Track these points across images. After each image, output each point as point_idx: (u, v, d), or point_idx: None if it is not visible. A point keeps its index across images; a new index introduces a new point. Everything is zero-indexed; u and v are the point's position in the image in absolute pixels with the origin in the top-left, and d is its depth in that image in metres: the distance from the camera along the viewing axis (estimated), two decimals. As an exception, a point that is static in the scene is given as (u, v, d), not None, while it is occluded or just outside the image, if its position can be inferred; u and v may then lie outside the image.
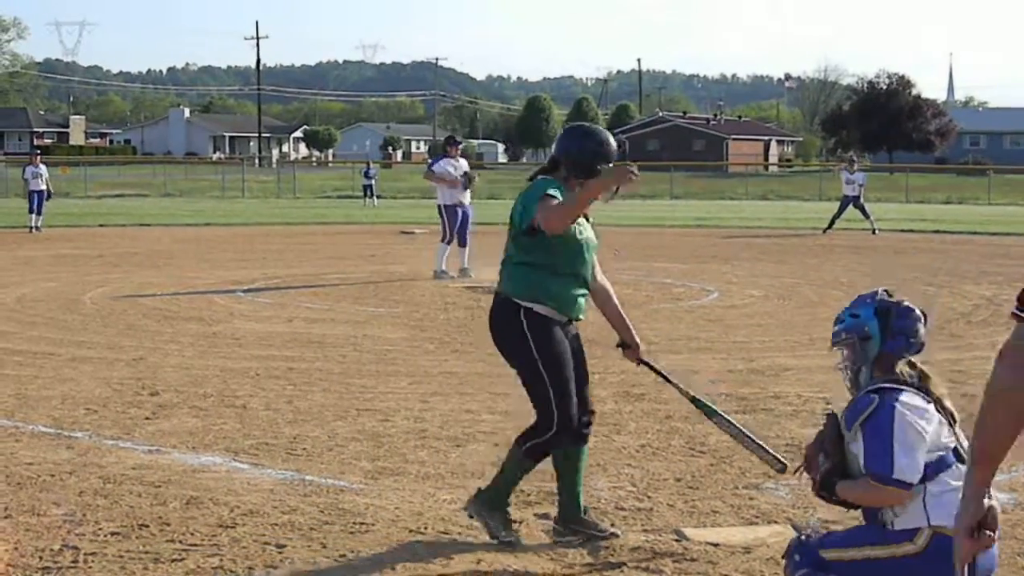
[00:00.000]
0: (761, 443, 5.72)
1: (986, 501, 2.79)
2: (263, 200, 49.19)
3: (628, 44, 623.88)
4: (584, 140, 5.51)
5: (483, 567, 5.29)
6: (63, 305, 14.11)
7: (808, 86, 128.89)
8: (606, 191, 5.37)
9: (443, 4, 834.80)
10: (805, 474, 4.24)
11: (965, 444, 3.91)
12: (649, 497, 6.34)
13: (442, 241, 17.82)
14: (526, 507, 6.09)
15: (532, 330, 5.38)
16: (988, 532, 2.77)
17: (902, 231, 30.11)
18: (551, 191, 5.35)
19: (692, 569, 5.30)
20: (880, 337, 4.08)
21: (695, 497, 6.34)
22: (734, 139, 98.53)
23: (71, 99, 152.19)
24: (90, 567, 5.19)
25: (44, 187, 28.56)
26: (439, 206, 18.06)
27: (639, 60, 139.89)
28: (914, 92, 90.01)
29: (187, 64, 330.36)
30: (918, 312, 4.15)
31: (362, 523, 5.82)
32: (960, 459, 3.85)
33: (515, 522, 5.65)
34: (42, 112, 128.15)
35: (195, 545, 5.47)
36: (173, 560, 5.28)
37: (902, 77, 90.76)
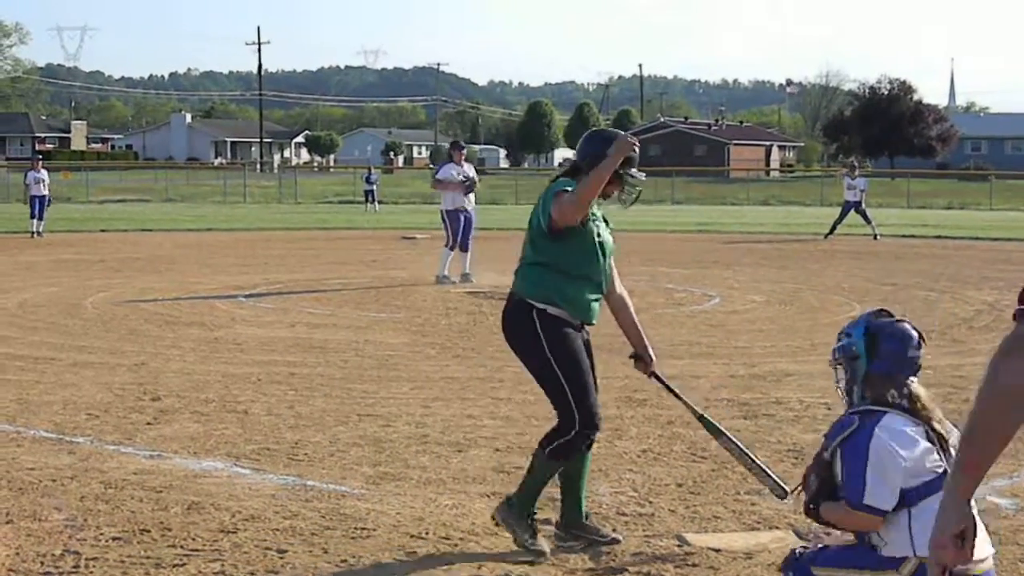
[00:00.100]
0: (764, 467, 5.71)
1: (971, 511, 2.68)
2: (265, 205, 49.23)
3: (630, 49, 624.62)
4: (605, 145, 5.46)
5: (484, 572, 5.29)
6: (64, 310, 14.12)
7: (809, 91, 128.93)
8: (614, 166, 5.31)
9: (445, 9, 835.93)
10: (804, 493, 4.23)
11: None
12: (651, 502, 6.34)
13: (445, 247, 17.79)
14: (527, 512, 6.09)
15: (545, 330, 5.37)
16: (970, 544, 2.65)
17: (904, 236, 30.11)
18: (566, 187, 5.38)
19: (693, 574, 5.30)
20: (867, 358, 4.05)
21: (697, 502, 6.34)
22: (735, 144, 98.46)
23: (73, 104, 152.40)
24: (91, 572, 5.19)
25: (46, 192, 28.58)
26: (442, 211, 18.06)
27: (640, 65, 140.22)
28: (915, 97, 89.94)
29: (189, 69, 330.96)
30: (911, 334, 4.08)
31: (363, 528, 5.82)
32: None
33: (544, 533, 5.61)
34: (44, 117, 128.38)
35: (196, 550, 5.47)
36: (174, 565, 5.28)
37: (903, 82, 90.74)
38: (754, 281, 18.21)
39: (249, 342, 11.80)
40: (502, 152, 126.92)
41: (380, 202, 46.28)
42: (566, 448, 5.42)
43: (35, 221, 28.13)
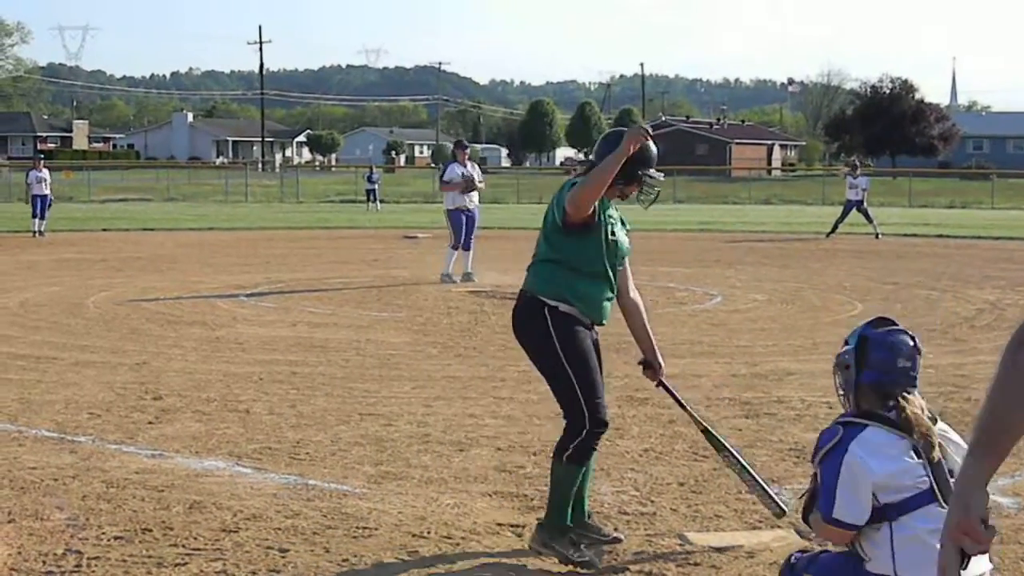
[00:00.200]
0: (764, 485, 5.71)
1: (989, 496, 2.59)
2: (266, 204, 49.24)
3: (631, 48, 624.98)
4: (618, 144, 5.38)
5: (486, 571, 5.29)
6: (66, 309, 14.12)
7: (811, 90, 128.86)
8: (625, 157, 5.24)
9: (446, 9, 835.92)
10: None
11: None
12: (652, 501, 6.34)
13: (449, 246, 17.75)
14: (529, 512, 6.09)
15: (556, 328, 5.34)
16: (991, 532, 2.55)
17: (905, 235, 30.09)
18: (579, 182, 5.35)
19: (695, 573, 5.30)
20: (856, 368, 4.04)
21: (698, 501, 6.34)
22: (737, 143, 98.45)
23: (74, 103, 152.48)
24: (93, 571, 5.19)
25: (47, 191, 28.59)
26: (446, 211, 18.05)
27: (642, 64, 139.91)
28: (917, 96, 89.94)
29: (190, 68, 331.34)
30: (902, 344, 4.00)
31: (365, 527, 5.82)
32: (935, 499, 3.79)
33: (584, 543, 5.59)
34: (45, 116, 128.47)
35: (198, 549, 5.47)
36: (176, 564, 5.28)
37: (905, 81, 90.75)
38: (756, 280, 18.20)
39: (251, 341, 11.80)
40: (504, 151, 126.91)
41: (382, 201, 46.28)
42: (581, 450, 5.36)
43: (37, 220, 28.15)
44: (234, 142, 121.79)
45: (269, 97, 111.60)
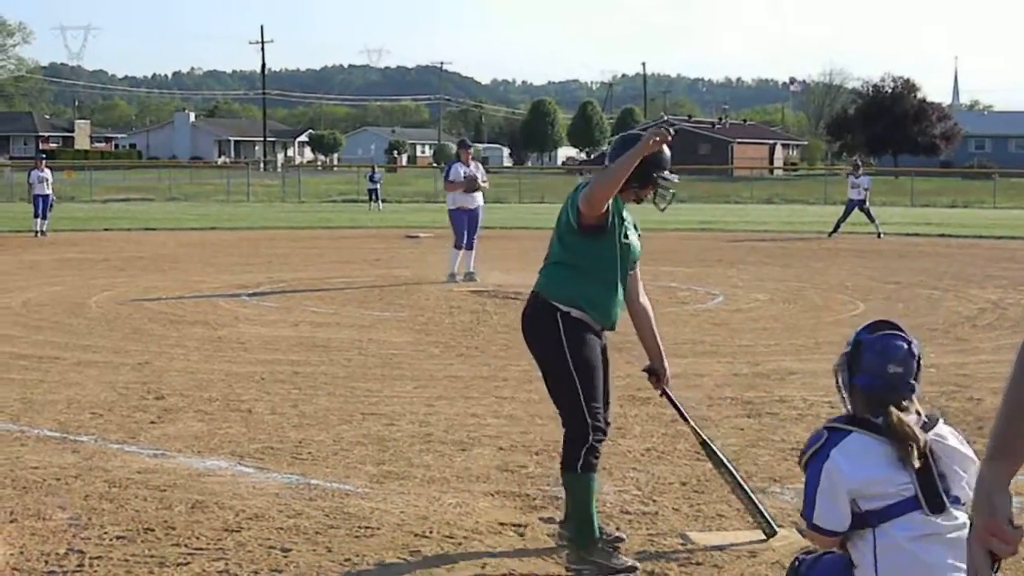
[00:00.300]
0: (759, 503, 5.71)
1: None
2: (268, 204, 49.24)
3: (633, 48, 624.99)
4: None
5: (488, 571, 5.29)
6: (68, 309, 14.13)
7: (813, 90, 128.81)
8: (644, 154, 5.18)
9: (447, 8, 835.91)
10: None
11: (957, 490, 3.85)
12: (654, 501, 6.34)
13: (452, 246, 17.73)
14: (531, 511, 6.10)
15: (568, 334, 5.31)
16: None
17: (907, 235, 30.08)
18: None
19: (697, 573, 5.30)
20: (849, 371, 4.03)
21: (700, 501, 6.34)
22: (739, 143, 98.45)
23: (76, 103, 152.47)
24: (95, 571, 5.19)
25: (49, 191, 28.61)
26: (448, 210, 18.05)
27: (644, 64, 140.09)
28: (919, 96, 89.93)
29: (192, 68, 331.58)
30: (894, 349, 3.93)
31: (367, 527, 5.82)
32: (918, 506, 3.77)
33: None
34: (47, 116, 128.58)
35: (200, 549, 5.47)
36: (178, 564, 5.28)
37: (907, 81, 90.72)
38: (758, 279, 18.20)
39: (253, 341, 11.81)
40: (505, 151, 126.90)
41: (384, 201, 46.28)
42: (591, 456, 5.30)
43: (39, 220, 28.17)
44: (236, 142, 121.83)
45: (271, 97, 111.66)
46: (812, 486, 3.87)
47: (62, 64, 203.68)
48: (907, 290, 16.68)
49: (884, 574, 3.74)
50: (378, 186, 46.27)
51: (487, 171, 18.89)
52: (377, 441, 7.59)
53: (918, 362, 3.98)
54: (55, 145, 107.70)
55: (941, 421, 3.96)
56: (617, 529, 5.73)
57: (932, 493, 3.76)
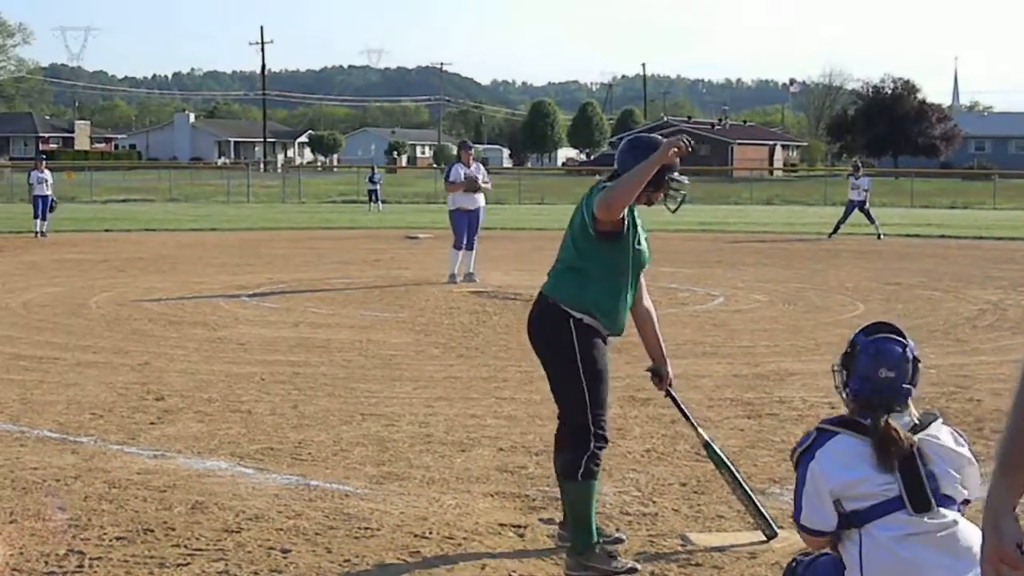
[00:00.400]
0: (760, 506, 5.71)
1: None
2: (268, 205, 49.23)
3: (633, 49, 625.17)
4: (649, 152, 5.31)
5: (488, 572, 5.29)
6: (68, 310, 14.13)
7: (813, 91, 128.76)
8: (662, 162, 5.17)
9: (448, 9, 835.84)
10: None
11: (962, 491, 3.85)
12: (654, 502, 6.34)
13: (452, 247, 17.72)
14: (531, 512, 6.10)
15: (580, 341, 5.27)
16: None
17: (907, 236, 30.08)
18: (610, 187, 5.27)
19: (697, 574, 5.30)
20: (843, 373, 4.05)
21: (700, 502, 6.34)
22: (739, 144, 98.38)
23: (76, 104, 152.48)
24: (95, 572, 5.19)
25: (49, 192, 28.60)
26: (448, 211, 18.04)
27: (644, 65, 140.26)
28: (919, 97, 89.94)
29: (192, 69, 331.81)
30: (886, 354, 3.94)
31: (367, 528, 5.82)
32: (902, 506, 3.76)
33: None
34: (47, 117, 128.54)
35: (200, 550, 5.47)
36: (178, 565, 5.28)
37: (907, 82, 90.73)
38: (758, 280, 18.20)
39: (253, 342, 11.81)
40: (505, 152, 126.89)
41: (384, 201, 46.26)
42: (592, 463, 5.29)
43: (39, 221, 28.16)
44: (236, 142, 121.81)
45: (271, 97, 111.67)
46: (799, 486, 3.92)
47: (62, 65, 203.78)
48: (907, 291, 16.68)
49: (869, 573, 3.75)
50: (378, 187, 46.24)
51: (488, 172, 18.84)
52: (377, 442, 7.59)
53: (915, 366, 3.98)
54: (55, 146, 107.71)
55: (938, 421, 3.96)
56: (617, 530, 5.73)
57: (917, 493, 3.77)
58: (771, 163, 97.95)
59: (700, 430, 5.89)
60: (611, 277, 5.35)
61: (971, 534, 3.71)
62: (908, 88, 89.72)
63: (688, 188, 5.60)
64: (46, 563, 5.27)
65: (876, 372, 3.92)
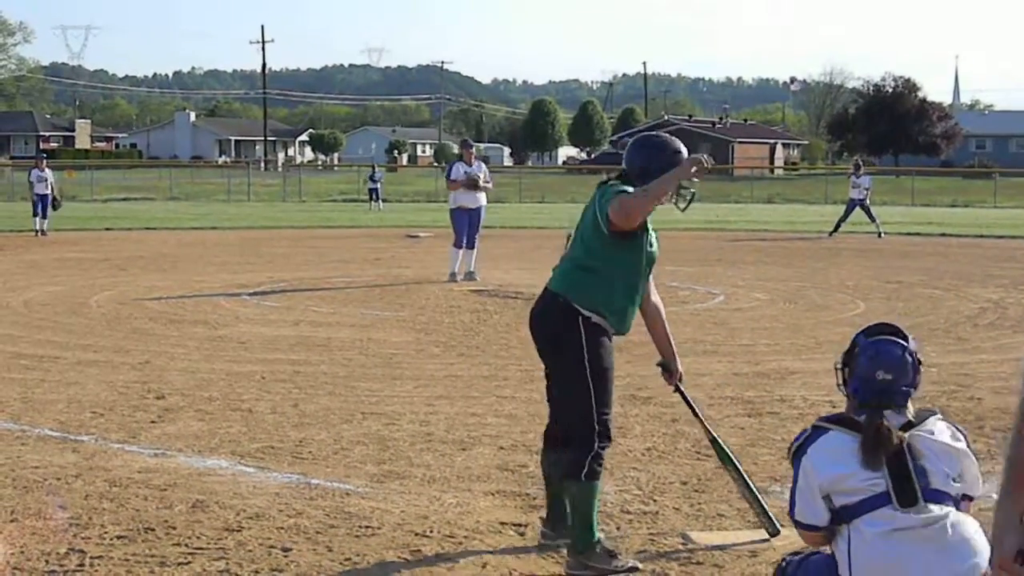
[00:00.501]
0: (764, 504, 5.71)
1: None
2: (269, 204, 49.21)
3: (634, 47, 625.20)
4: (658, 153, 5.34)
5: (489, 570, 5.29)
6: (69, 309, 14.13)
7: (813, 89, 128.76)
8: (684, 178, 5.21)
9: (448, 8, 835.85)
10: None
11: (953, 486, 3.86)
12: (655, 500, 6.34)
13: (452, 245, 17.71)
14: (531, 510, 6.10)
15: (588, 339, 5.27)
16: None
17: (908, 234, 30.08)
18: (625, 190, 5.25)
19: (698, 573, 5.30)
20: (842, 372, 4.06)
21: (701, 501, 6.34)
22: (740, 142, 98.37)
23: (77, 103, 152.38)
24: (96, 570, 5.19)
25: (49, 191, 28.59)
26: (449, 209, 18.03)
27: (644, 63, 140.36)
28: (920, 95, 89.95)
29: (193, 68, 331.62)
30: (884, 356, 3.94)
31: (368, 526, 5.82)
32: (889, 501, 3.77)
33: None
34: (48, 116, 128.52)
35: (201, 549, 5.47)
36: (179, 564, 5.28)
37: (908, 80, 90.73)
38: (758, 279, 18.20)
39: (253, 340, 11.81)
40: (506, 150, 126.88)
41: (384, 200, 46.23)
42: (595, 463, 5.28)
43: (39, 219, 28.16)
44: (236, 141, 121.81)
45: (272, 96, 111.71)
46: (794, 482, 3.95)
47: (63, 64, 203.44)
48: (908, 289, 16.67)
49: (857, 569, 3.76)
50: (379, 186, 46.21)
51: (490, 171, 18.83)
52: (378, 440, 7.59)
53: (915, 367, 3.98)
54: (56, 144, 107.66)
55: (936, 417, 3.96)
56: (618, 528, 5.73)
57: (904, 488, 3.78)
58: (772, 162, 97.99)
59: (708, 426, 5.89)
60: (623, 277, 5.34)
61: (965, 528, 3.73)
62: (909, 87, 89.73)
63: (697, 187, 5.61)
64: (47, 562, 5.27)
65: (874, 374, 3.93)
